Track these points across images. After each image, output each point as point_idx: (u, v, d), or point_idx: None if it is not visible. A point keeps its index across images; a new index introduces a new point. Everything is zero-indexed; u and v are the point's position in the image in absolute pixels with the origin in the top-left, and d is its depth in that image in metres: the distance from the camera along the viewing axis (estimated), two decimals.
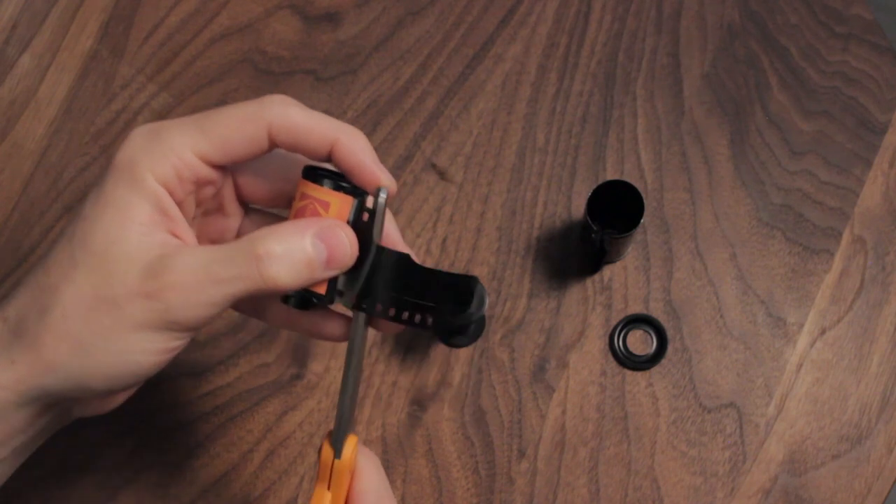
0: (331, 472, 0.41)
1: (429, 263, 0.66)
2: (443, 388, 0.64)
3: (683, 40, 0.70)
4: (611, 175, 0.67)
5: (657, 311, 0.65)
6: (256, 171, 0.42)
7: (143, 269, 0.36)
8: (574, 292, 0.65)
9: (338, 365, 0.64)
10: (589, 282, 0.66)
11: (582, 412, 0.63)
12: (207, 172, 0.40)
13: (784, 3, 0.70)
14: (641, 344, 0.65)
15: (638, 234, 0.66)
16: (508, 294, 0.65)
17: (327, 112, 0.69)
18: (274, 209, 0.45)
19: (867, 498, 0.62)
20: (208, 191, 0.41)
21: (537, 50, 0.70)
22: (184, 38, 0.71)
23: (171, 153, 0.38)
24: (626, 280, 0.65)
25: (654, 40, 0.70)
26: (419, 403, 0.64)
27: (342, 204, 0.39)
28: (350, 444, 0.41)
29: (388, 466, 0.63)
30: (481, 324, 0.64)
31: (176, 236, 0.39)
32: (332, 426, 0.44)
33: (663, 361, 0.64)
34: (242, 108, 0.39)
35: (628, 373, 0.64)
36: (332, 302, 0.40)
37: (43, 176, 0.68)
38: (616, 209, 0.61)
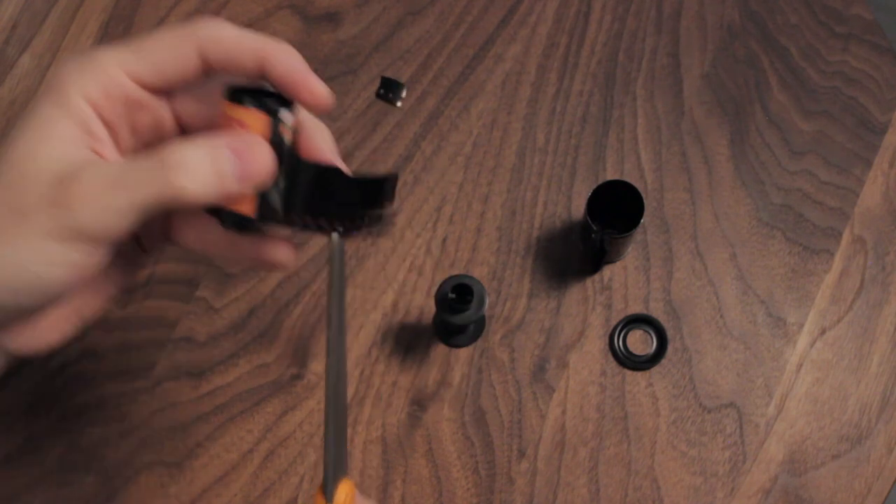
0: None
1: (428, 264, 0.66)
2: (443, 388, 0.64)
3: (683, 40, 0.70)
4: (611, 175, 0.68)
5: (657, 311, 0.65)
6: (195, 98, 0.41)
7: (54, 178, 0.36)
8: (574, 292, 0.65)
9: None
10: (589, 282, 0.66)
11: (582, 412, 0.63)
12: (138, 93, 0.39)
13: (784, 3, 0.70)
14: (641, 344, 0.65)
15: (638, 234, 0.66)
16: (508, 294, 0.65)
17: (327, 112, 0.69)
18: None
19: (867, 498, 0.62)
20: (144, 117, 0.40)
21: (537, 50, 0.70)
22: None
23: (99, 71, 0.38)
24: (626, 280, 0.66)
25: (654, 40, 0.70)
26: (419, 403, 0.64)
27: (259, 121, 0.38)
28: (343, 489, 0.39)
29: (388, 466, 0.63)
30: (481, 324, 0.65)
31: (99, 155, 0.38)
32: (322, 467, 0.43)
33: (663, 361, 0.64)
34: (173, 27, 0.39)
35: (628, 373, 0.64)
36: (263, 220, 0.39)
37: None
38: (616, 209, 0.61)
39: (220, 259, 0.43)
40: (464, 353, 0.64)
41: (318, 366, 0.64)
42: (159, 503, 0.62)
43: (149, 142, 0.42)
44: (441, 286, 0.58)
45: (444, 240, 0.66)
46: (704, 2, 0.71)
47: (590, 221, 0.59)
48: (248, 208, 0.39)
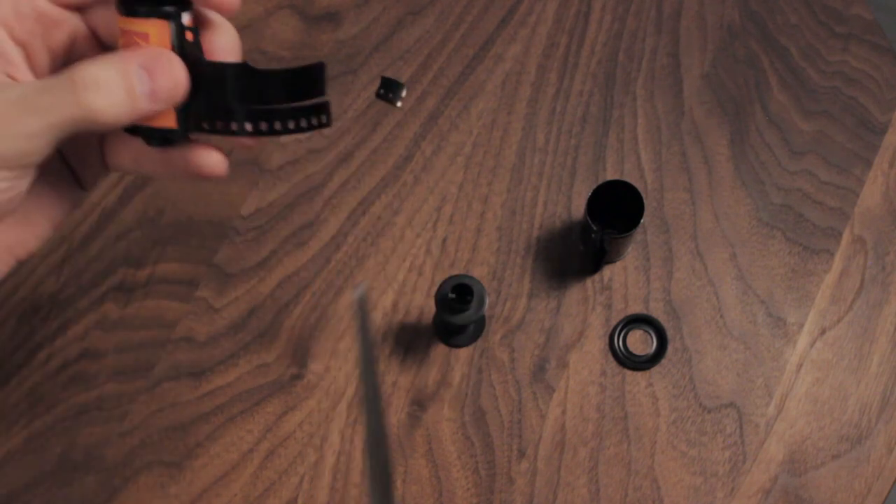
0: None
1: (428, 264, 0.66)
2: (443, 388, 0.64)
3: (683, 40, 0.70)
4: (611, 175, 0.68)
5: (657, 311, 0.65)
6: (110, 10, 0.40)
7: None
8: (574, 292, 0.65)
9: (337, 364, 0.64)
10: (589, 282, 0.66)
11: (582, 412, 0.63)
12: (50, 9, 0.38)
13: (784, 3, 0.70)
14: (641, 344, 0.65)
15: (638, 234, 0.66)
16: (508, 294, 0.65)
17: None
18: None
19: (867, 498, 0.62)
20: (58, 34, 0.39)
21: (537, 50, 0.70)
22: None
23: None
24: (626, 280, 0.66)
25: (654, 40, 0.70)
26: (419, 403, 0.64)
27: (161, 30, 0.37)
28: None
29: None
30: (481, 324, 0.64)
31: (12, 77, 0.38)
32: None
33: (663, 361, 0.64)
34: None
35: (628, 373, 0.64)
36: (187, 131, 0.38)
37: None
38: (616, 209, 0.61)
39: (158, 175, 0.42)
40: (464, 353, 0.64)
41: (317, 366, 0.64)
42: (159, 503, 0.62)
43: (66, 60, 0.40)
44: (441, 286, 0.58)
45: (444, 240, 0.66)
46: (704, 2, 0.71)
47: (590, 221, 0.59)
48: (169, 121, 0.38)
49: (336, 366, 0.64)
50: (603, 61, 0.70)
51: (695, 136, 0.68)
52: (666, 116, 0.68)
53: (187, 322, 0.65)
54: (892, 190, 0.67)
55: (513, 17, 0.71)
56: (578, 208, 0.67)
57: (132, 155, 0.41)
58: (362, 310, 0.35)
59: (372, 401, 0.35)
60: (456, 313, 0.57)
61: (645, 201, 0.59)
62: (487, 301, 0.59)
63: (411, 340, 0.65)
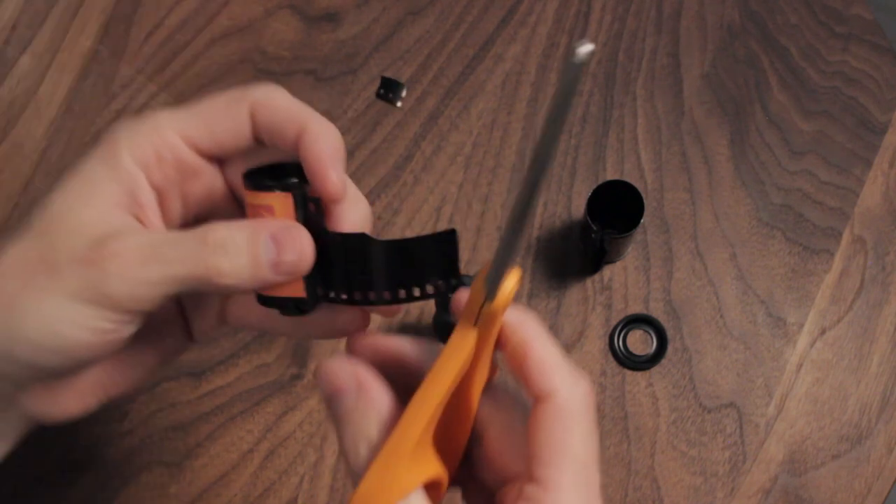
0: (479, 312, 0.34)
1: None
2: None
3: (683, 40, 0.70)
4: (611, 175, 0.67)
5: (657, 311, 0.65)
6: (248, 166, 0.40)
7: (94, 239, 0.35)
8: (574, 292, 0.65)
9: None
10: (589, 282, 0.66)
11: None
12: (192, 159, 0.38)
13: (784, 3, 0.70)
14: (641, 344, 0.65)
15: (638, 234, 0.66)
16: None
17: (327, 112, 0.69)
18: None
19: (867, 498, 0.62)
20: (195, 185, 0.39)
21: (537, 50, 0.70)
22: (184, 38, 0.71)
23: (151, 132, 0.37)
24: (626, 280, 0.65)
25: (654, 40, 0.70)
26: None
27: (284, 202, 0.37)
28: (511, 279, 0.33)
29: None
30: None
31: (141, 222, 0.38)
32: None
33: (663, 361, 0.64)
34: (229, 90, 0.39)
35: (628, 373, 0.64)
36: (316, 302, 0.38)
37: (43, 176, 0.68)
38: (616, 209, 0.61)
39: (290, 336, 0.42)
40: None
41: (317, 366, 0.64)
42: (159, 503, 0.62)
43: (199, 212, 0.41)
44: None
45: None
46: (704, 2, 0.71)
47: (590, 221, 0.59)
48: (297, 290, 0.38)
49: None
50: (603, 61, 0.70)
51: (695, 136, 0.68)
52: (666, 116, 0.68)
53: None
54: (892, 190, 0.67)
55: (513, 17, 0.71)
56: (578, 208, 0.67)
57: (260, 314, 0.41)
58: (576, 76, 0.27)
59: (541, 165, 0.30)
60: None
61: (645, 201, 0.59)
62: None
63: None
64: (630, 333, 0.65)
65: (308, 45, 0.71)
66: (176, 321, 0.42)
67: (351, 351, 0.39)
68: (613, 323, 0.65)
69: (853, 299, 0.65)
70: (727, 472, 0.62)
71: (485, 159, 0.68)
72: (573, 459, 0.33)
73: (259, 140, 0.39)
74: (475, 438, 0.37)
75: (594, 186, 0.60)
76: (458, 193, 0.67)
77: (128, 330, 0.36)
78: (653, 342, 0.64)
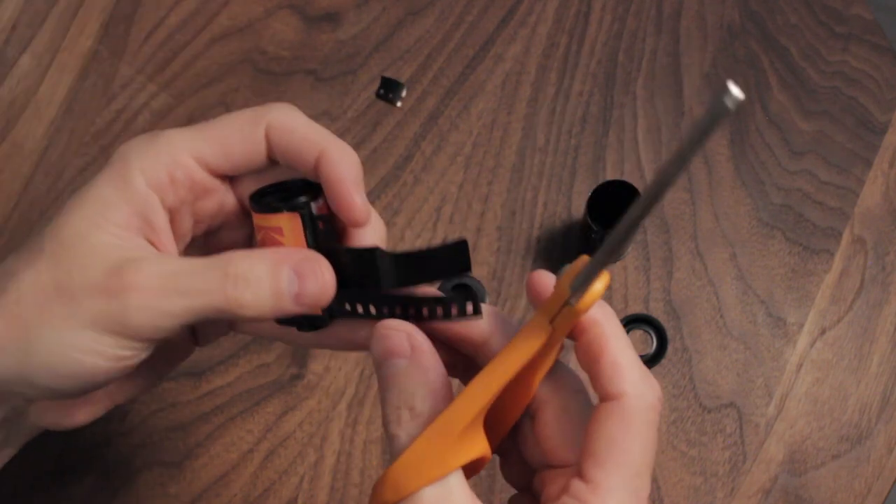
0: (559, 311, 0.33)
1: None
2: None
3: (683, 40, 0.70)
4: (611, 175, 0.67)
5: (657, 311, 0.65)
6: (260, 182, 0.40)
7: (109, 266, 0.35)
8: None
9: (337, 365, 0.64)
10: None
11: None
12: (204, 179, 0.38)
13: (784, 3, 0.70)
14: (641, 344, 0.65)
15: (638, 234, 0.66)
16: (508, 294, 0.65)
17: (327, 112, 0.69)
18: None
19: (867, 498, 0.62)
20: (207, 203, 0.39)
21: (537, 50, 0.70)
22: (184, 38, 0.71)
23: (164, 153, 0.37)
24: (626, 280, 0.65)
25: (654, 40, 0.70)
26: None
27: (293, 222, 0.37)
28: (601, 283, 0.32)
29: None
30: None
31: (153, 245, 0.37)
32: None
33: (663, 361, 0.64)
34: (243, 111, 0.38)
35: None
36: (332, 317, 0.38)
37: (43, 176, 0.68)
38: (616, 209, 0.61)
39: (299, 345, 0.42)
40: None
41: (317, 366, 0.64)
42: (159, 503, 0.62)
43: (209, 227, 0.41)
44: (441, 286, 0.58)
45: (444, 240, 0.66)
46: (704, 2, 0.71)
47: (590, 221, 0.59)
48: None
49: (336, 366, 0.64)
50: (603, 61, 0.70)
51: None
52: (666, 116, 0.68)
53: None
54: (892, 190, 0.67)
55: (513, 17, 0.71)
56: (578, 208, 0.67)
57: (273, 326, 0.41)
58: (717, 119, 0.25)
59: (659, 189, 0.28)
60: None
61: None
62: (487, 301, 0.59)
63: None
64: (630, 333, 0.65)
65: (308, 45, 0.71)
66: (185, 330, 0.42)
67: None
68: None
69: (853, 299, 0.65)
70: (727, 472, 0.62)
71: (485, 159, 0.68)
72: (628, 466, 0.33)
73: (273, 160, 0.39)
74: (528, 414, 0.37)
75: (594, 186, 0.60)
76: (458, 193, 0.67)
77: (145, 354, 0.37)
78: (653, 342, 0.64)
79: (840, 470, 0.62)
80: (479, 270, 0.66)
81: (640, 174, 0.67)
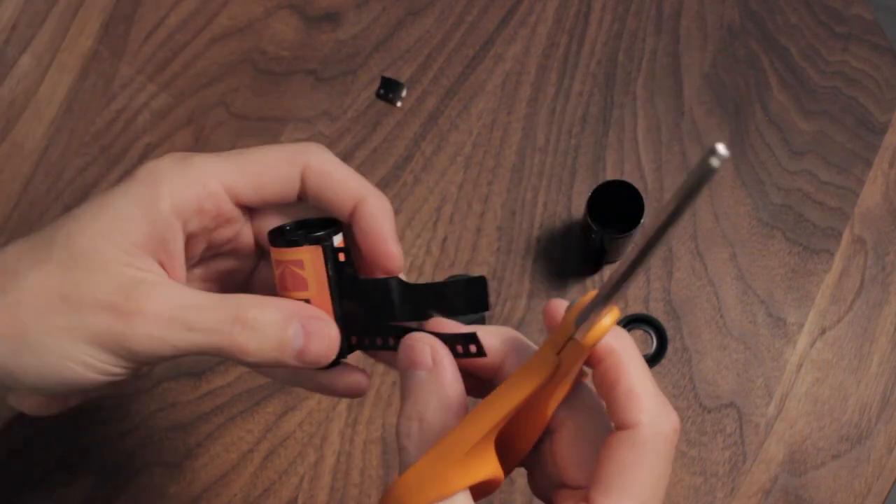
0: (565, 344, 0.32)
1: (428, 264, 0.66)
2: None
3: (683, 40, 0.70)
4: (611, 175, 0.67)
5: (657, 311, 0.65)
6: (281, 217, 0.40)
7: (119, 285, 0.35)
8: (574, 292, 0.65)
9: None
10: (589, 282, 0.66)
11: None
12: (230, 210, 0.38)
13: (784, 3, 0.70)
14: (641, 344, 0.65)
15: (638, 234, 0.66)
16: (508, 294, 0.65)
17: (327, 112, 0.69)
18: None
19: (867, 498, 0.62)
20: (225, 232, 0.39)
21: (537, 50, 0.70)
22: (184, 38, 0.71)
23: (196, 180, 0.36)
24: None
25: (654, 40, 0.70)
26: None
27: (314, 255, 0.37)
28: (607, 320, 0.31)
29: (388, 466, 0.63)
30: (481, 324, 0.64)
31: (164, 268, 0.37)
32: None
33: (663, 361, 0.64)
34: (279, 147, 0.38)
35: None
36: (342, 355, 0.39)
37: (43, 176, 0.68)
38: (616, 209, 0.61)
39: (295, 385, 0.42)
40: None
41: None
42: (159, 503, 0.62)
43: (218, 252, 0.41)
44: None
45: (444, 240, 0.66)
46: (704, 2, 0.71)
47: (590, 221, 0.59)
48: None
49: None
50: (603, 61, 0.70)
51: (695, 136, 0.68)
52: (666, 116, 0.68)
53: None
54: (892, 190, 0.67)
55: (513, 17, 0.71)
56: (578, 208, 0.67)
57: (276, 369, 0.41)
58: (706, 177, 0.24)
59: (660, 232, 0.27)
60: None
61: (645, 201, 0.59)
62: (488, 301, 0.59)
63: None
64: (630, 333, 0.65)
65: (308, 45, 0.71)
66: None
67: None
68: None
69: (853, 299, 0.65)
70: (727, 472, 0.62)
71: (485, 159, 0.68)
72: (635, 497, 0.32)
73: (302, 197, 0.39)
74: (548, 432, 0.37)
75: (594, 186, 0.60)
76: (458, 193, 0.67)
77: (138, 374, 0.37)
78: (653, 342, 0.64)
79: (840, 470, 0.62)
80: (479, 270, 0.66)
81: (639, 174, 0.67)
